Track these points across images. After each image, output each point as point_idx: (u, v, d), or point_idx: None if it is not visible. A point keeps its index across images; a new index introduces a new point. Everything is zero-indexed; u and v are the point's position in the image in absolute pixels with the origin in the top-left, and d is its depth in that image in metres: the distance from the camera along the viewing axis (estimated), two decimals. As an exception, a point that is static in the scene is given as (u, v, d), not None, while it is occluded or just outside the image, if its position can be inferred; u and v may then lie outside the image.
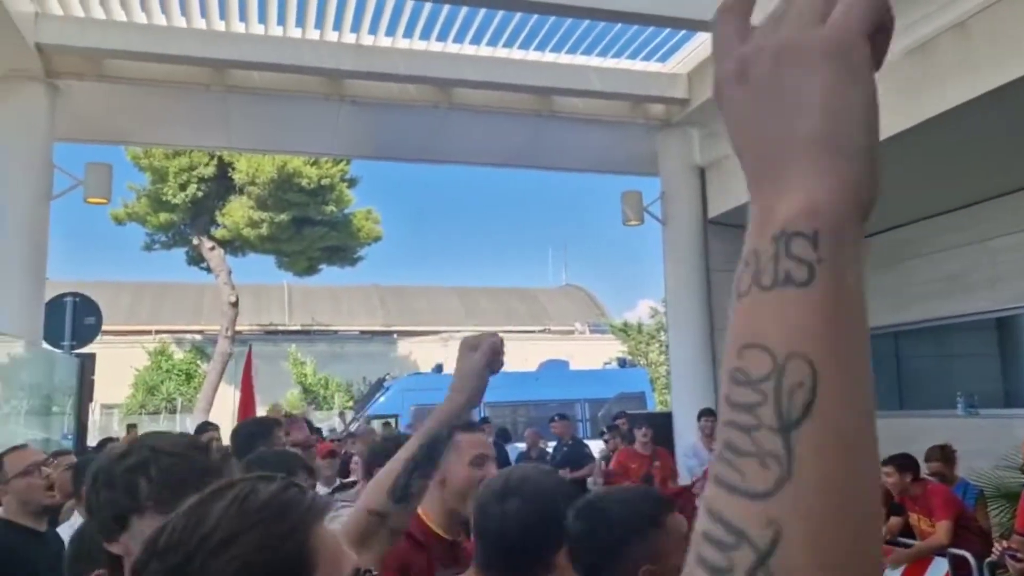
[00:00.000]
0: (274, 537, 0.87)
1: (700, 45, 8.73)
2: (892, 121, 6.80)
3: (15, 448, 3.30)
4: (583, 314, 31.38)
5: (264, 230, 22.91)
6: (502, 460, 10.32)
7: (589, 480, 9.12)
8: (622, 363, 20.79)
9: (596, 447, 10.48)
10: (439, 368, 18.88)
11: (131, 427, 7.53)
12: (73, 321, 9.34)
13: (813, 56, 0.45)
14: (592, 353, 25.80)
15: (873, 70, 0.46)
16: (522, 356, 28.18)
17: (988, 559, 4.62)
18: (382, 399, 16.31)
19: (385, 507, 1.51)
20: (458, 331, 29.69)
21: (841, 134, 0.44)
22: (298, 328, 30.11)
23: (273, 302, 30.72)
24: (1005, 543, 4.36)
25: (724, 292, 9.23)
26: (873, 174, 0.45)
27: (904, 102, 6.64)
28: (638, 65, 9.18)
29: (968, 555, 4.68)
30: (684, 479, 8.86)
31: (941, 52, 6.40)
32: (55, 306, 8.93)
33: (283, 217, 22.90)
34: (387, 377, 18.16)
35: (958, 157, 7.22)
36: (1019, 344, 9.83)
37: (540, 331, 30.47)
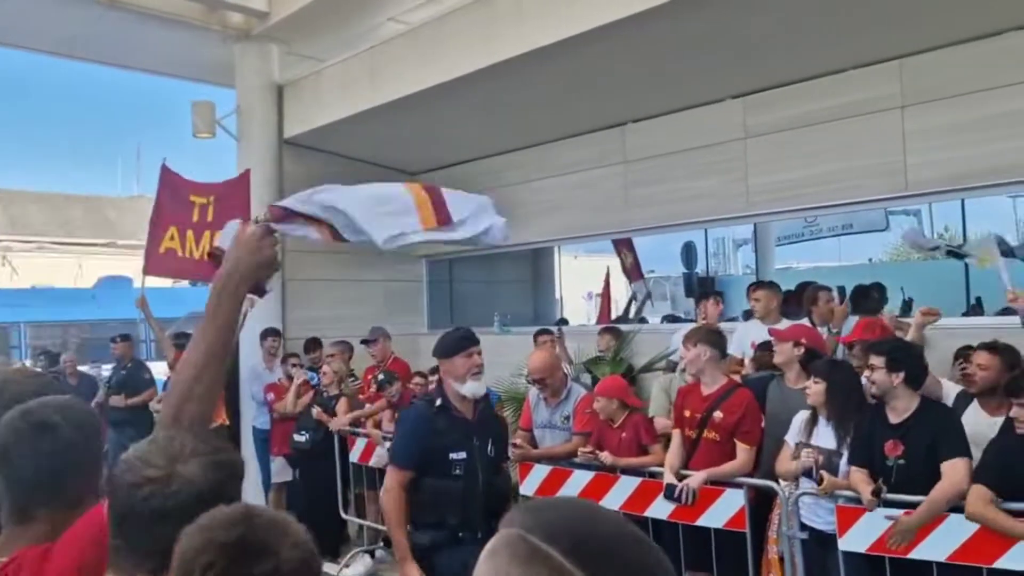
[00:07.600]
0: None
1: (283, -42, 8.52)
2: (464, 63, 7.24)
3: None
4: (157, 228, 29.03)
5: None
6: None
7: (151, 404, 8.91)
8: (194, 282, 19.74)
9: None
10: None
11: None
12: None
13: None
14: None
15: None
16: (82, 272, 25.41)
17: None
18: None
19: None
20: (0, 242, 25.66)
21: None
22: None
23: None
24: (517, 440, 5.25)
25: (298, 213, 9.30)
26: None
27: (475, 48, 7.11)
28: (217, -33, 8.66)
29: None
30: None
31: (500, 5, 6.96)
32: None
33: None
34: None
35: (518, 104, 8.00)
36: (547, 272, 11.62)
37: (105, 244, 27.59)
